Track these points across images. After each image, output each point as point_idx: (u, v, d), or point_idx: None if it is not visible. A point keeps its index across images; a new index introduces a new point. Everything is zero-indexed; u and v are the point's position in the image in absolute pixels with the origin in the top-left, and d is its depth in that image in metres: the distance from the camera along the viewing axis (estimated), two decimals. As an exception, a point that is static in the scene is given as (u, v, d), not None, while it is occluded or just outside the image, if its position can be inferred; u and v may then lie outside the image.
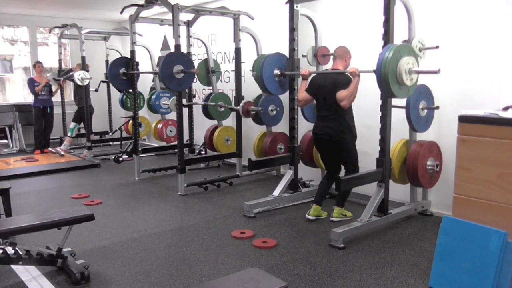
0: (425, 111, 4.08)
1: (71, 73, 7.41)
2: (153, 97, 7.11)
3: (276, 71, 5.01)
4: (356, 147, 4.09)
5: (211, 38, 7.01)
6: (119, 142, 7.97)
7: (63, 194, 5.29)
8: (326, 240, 3.68)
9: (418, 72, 3.55)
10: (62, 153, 7.51)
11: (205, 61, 6.38)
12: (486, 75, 3.88)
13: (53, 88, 7.96)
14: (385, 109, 3.80)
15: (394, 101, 3.86)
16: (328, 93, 3.88)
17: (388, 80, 3.41)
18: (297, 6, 4.48)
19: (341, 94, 3.75)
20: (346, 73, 3.87)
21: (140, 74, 6.87)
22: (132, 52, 5.94)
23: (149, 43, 7.64)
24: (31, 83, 7.75)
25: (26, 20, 8.70)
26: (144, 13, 5.79)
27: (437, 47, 4.00)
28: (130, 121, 7.34)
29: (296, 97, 4.64)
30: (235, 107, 5.61)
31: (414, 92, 3.96)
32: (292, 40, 4.46)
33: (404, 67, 3.44)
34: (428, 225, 4.05)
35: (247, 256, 3.42)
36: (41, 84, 7.60)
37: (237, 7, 5.68)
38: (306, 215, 4.17)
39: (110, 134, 8.52)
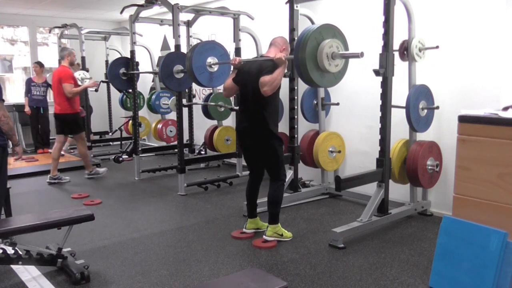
0: (425, 111, 4.08)
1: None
2: (153, 97, 7.11)
3: (209, 60, 4.38)
4: (281, 150, 3.64)
5: (211, 38, 7.00)
6: (119, 142, 7.97)
7: (63, 194, 5.29)
8: (326, 240, 3.68)
9: (343, 56, 3.17)
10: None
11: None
12: (486, 75, 3.88)
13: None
14: (385, 109, 3.80)
15: (394, 101, 3.86)
16: (252, 79, 3.49)
17: (306, 66, 3.05)
18: (297, 6, 4.49)
19: (263, 78, 3.37)
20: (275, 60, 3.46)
21: (140, 74, 6.87)
22: (132, 52, 5.94)
23: (149, 43, 7.64)
24: (28, 83, 7.85)
25: (26, 20, 8.70)
26: (144, 13, 5.79)
27: (437, 47, 4.00)
28: (130, 121, 7.34)
29: (295, 97, 4.64)
30: (235, 107, 5.61)
31: (414, 92, 3.97)
32: (292, 40, 4.46)
33: (325, 50, 3.05)
34: (428, 225, 4.05)
35: (247, 256, 3.42)
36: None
37: (237, 7, 5.68)
38: (243, 229, 3.88)
39: (110, 134, 8.52)
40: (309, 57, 3.07)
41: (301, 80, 3.29)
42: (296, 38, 4.47)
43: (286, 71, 4.39)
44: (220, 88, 6.50)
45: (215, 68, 4.49)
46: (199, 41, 6.57)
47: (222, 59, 4.44)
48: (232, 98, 6.27)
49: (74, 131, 5.83)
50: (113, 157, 6.80)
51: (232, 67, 3.85)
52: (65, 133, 5.87)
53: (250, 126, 3.62)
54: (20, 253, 2.99)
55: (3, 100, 3.41)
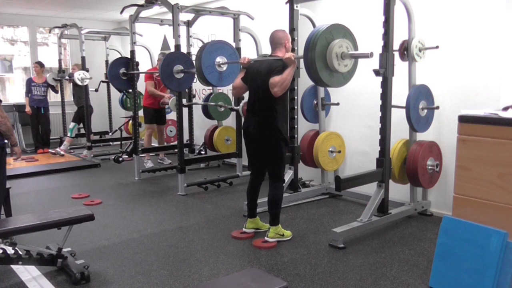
0: (425, 111, 4.08)
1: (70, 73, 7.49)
2: (153, 97, 7.10)
3: (218, 60, 4.38)
4: (285, 151, 3.68)
5: (211, 38, 7.00)
6: (119, 142, 7.97)
7: (63, 194, 5.29)
8: (326, 240, 3.68)
9: (352, 56, 3.19)
10: (62, 153, 7.53)
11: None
12: (486, 75, 3.88)
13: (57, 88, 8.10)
14: (385, 109, 3.80)
15: (394, 101, 3.86)
16: (262, 78, 3.48)
17: (315, 66, 3.07)
18: (297, 6, 4.49)
19: (273, 79, 3.36)
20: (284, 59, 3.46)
21: (140, 74, 6.86)
22: (132, 52, 5.94)
23: (149, 43, 7.64)
24: (29, 83, 7.87)
25: (26, 20, 8.70)
26: (144, 13, 5.79)
27: (437, 47, 4.00)
28: (130, 121, 7.34)
29: (295, 97, 4.64)
30: (235, 107, 5.61)
31: (414, 92, 3.97)
32: (292, 40, 4.46)
33: (335, 50, 3.07)
34: (428, 225, 4.04)
35: (247, 256, 3.42)
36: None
37: (237, 7, 5.68)
38: (243, 228, 3.88)
39: (110, 134, 8.52)
40: (319, 56, 3.08)
41: (310, 79, 3.30)
42: (296, 38, 4.48)
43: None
44: (222, 88, 6.53)
45: (224, 67, 4.50)
46: (199, 41, 6.60)
47: (231, 59, 4.45)
48: (232, 98, 6.27)
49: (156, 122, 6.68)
50: (113, 157, 6.79)
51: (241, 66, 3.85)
52: (154, 123, 6.64)
53: (258, 125, 3.59)
54: (20, 253, 2.99)
55: (0, 101, 3.42)
